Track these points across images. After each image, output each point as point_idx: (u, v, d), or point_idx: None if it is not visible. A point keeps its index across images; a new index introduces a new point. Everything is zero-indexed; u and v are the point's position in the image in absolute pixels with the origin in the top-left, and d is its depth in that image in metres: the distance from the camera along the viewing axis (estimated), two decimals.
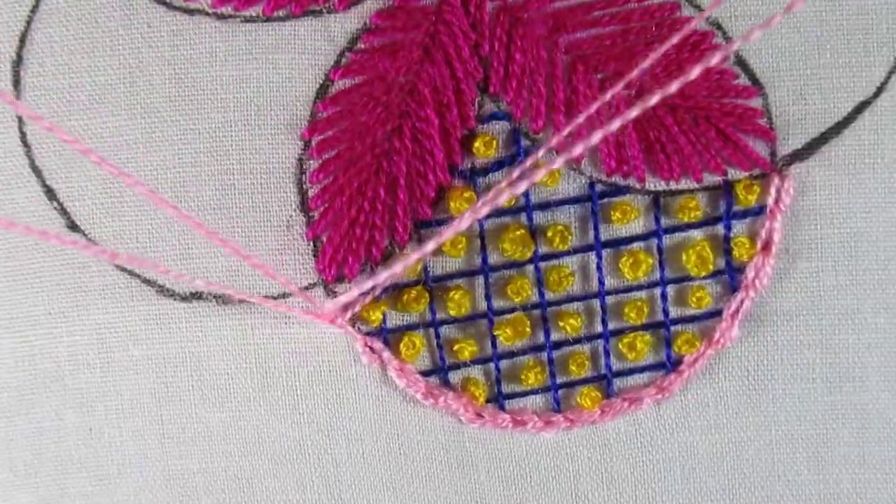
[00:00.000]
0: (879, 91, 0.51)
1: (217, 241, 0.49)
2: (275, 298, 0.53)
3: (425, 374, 0.54)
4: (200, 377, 0.54)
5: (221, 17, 0.51)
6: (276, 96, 0.51)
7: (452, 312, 0.53)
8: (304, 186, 0.52)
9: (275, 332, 0.53)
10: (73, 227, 0.52)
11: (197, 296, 0.53)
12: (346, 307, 0.52)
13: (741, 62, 0.51)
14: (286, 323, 0.53)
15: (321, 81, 0.51)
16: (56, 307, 0.53)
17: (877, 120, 0.52)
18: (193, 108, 0.51)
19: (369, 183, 0.52)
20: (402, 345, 0.53)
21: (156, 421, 0.54)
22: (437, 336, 0.53)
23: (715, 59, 0.43)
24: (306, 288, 0.53)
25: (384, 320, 0.53)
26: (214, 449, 0.54)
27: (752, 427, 0.54)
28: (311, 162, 0.52)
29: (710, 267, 0.52)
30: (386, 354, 0.53)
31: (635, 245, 0.53)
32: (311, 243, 0.53)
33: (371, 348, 0.53)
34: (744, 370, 0.54)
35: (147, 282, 0.53)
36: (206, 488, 0.55)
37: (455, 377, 0.54)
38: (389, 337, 0.53)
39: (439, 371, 0.54)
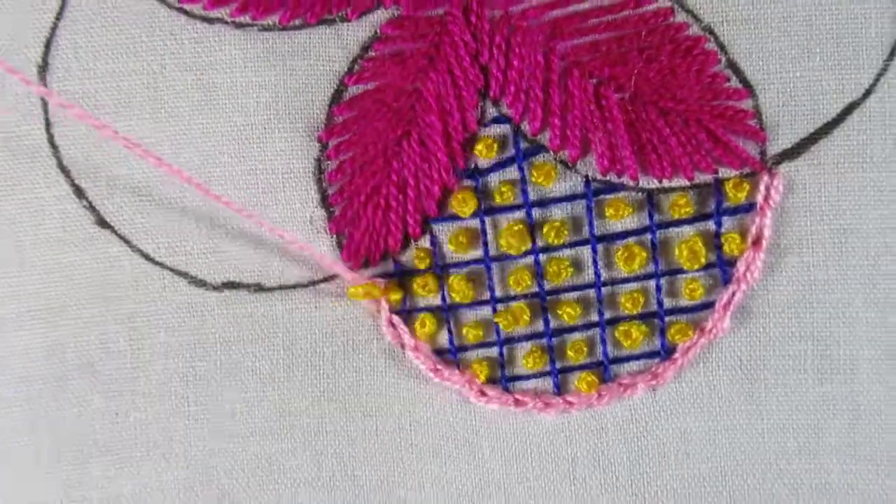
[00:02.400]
0: (868, 93, 0.53)
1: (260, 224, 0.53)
2: (305, 286, 0.56)
3: (438, 352, 0.57)
4: (228, 360, 0.56)
5: (240, 25, 0.53)
6: (293, 101, 0.54)
7: (456, 298, 0.56)
8: (324, 185, 0.55)
9: (303, 316, 0.56)
10: (103, 223, 0.55)
11: (229, 285, 0.56)
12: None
13: (733, 65, 0.53)
14: (315, 307, 0.56)
15: (336, 87, 0.54)
16: (86, 299, 0.56)
17: (865, 121, 0.53)
18: (216, 112, 0.54)
19: (383, 184, 0.55)
20: (416, 324, 0.56)
21: (182, 403, 0.57)
22: (448, 321, 0.56)
23: None
24: (332, 277, 0.56)
25: (404, 301, 0.56)
26: (236, 429, 0.57)
27: (745, 415, 0.56)
28: (329, 162, 0.55)
29: (702, 261, 0.54)
30: (405, 332, 0.56)
31: (630, 239, 0.55)
32: (334, 236, 0.55)
33: (394, 325, 0.56)
34: (736, 360, 0.55)
35: (179, 273, 0.56)
36: (225, 468, 0.57)
37: (464, 357, 0.57)
38: (406, 317, 0.56)
39: (449, 352, 0.57)
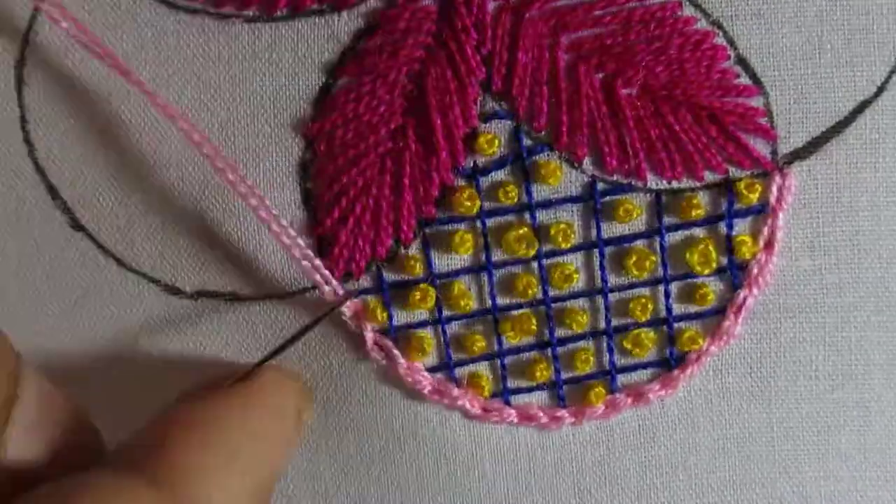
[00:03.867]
0: (880, 90, 0.52)
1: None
2: (282, 297, 0.53)
3: (432, 370, 0.54)
4: (206, 374, 0.53)
5: (224, 16, 0.51)
6: (279, 95, 0.52)
7: (454, 308, 0.53)
8: (308, 184, 0.52)
9: (283, 332, 0.53)
10: (78, 226, 0.53)
11: (204, 294, 0.53)
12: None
13: (742, 61, 0.51)
14: (295, 321, 0.54)
15: (324, 80, 0.51)
16: (64, 305, 0.54)
17: (878, 119, 0.52)
18: (198, 106, 0.51)
19: (374, 182, 0.52)
20: (411, 343, 0.53)
21: None
22: (444, 333, 0.54)
23: None
24: (313, 287, 0.53)
25: (391, 318, 0.53)
26: None
27: (756, 423, 0.54)
28: (316, 160, 0.52)
29: (714, 265, 0.53)
30: (395, 353, 0.53)
31: (638, 243, 0.53)
32: (316, 240, 0.53)
33: (380, 346, 0.53)
34: (747, 366, 0.54)
35: (152, 280, 0.53)
36: None
37: (461, 373, 0.54)
38: (397, 335, 0.54)
39: (445, 367, 0.54)
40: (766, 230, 0.53)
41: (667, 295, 0.53)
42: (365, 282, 0.53)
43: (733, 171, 0.52)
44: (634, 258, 0.53)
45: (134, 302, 0.53)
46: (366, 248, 0.52)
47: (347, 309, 0.53)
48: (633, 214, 0.52)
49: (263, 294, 0.53)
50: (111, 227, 0.53)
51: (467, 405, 0.54)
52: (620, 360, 0.54)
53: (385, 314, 0.53)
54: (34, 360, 0.53)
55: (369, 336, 0.53)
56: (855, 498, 0.55)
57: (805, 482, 0.55)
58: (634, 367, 0.54)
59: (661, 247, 0.53)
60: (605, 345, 0.54)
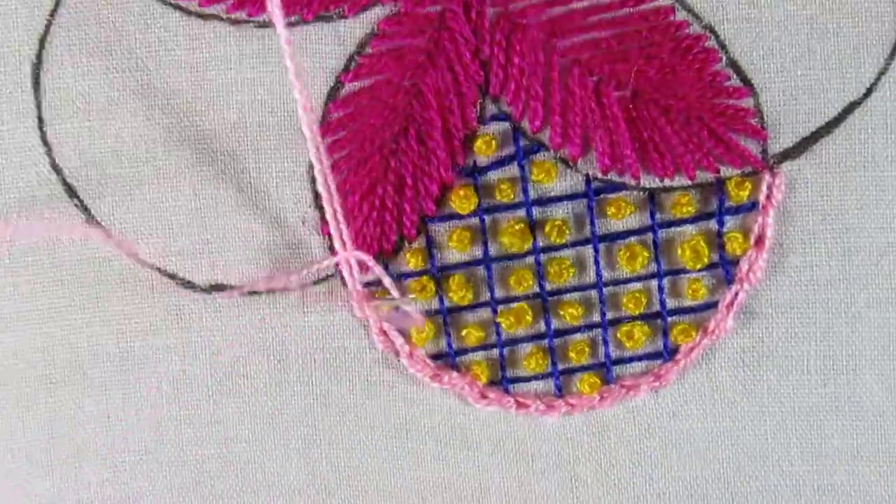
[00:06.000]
0: (869, 92, 0.53)
1: None
2: (293, 290, 0.55)
3: (434, 357, 0.56)
4: (218, 365, 0.55)
5: (235, 22, 0.53)
6: (289, 98, 0.53)
7: (455, 300, 0.55)
8: (318, 185, 0.53)
9: (292, 321, 0.55)
10: (94, 223, 0.54)
11: (218, 287, 0.55)
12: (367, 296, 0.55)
13: (733, 64, 0.52)
14: (303, 312, 0.55)
15: (332, 84, 0.53)
16: (76, 300, 0.55)
17: (867, 120, 0.53)
18: (210, 109, 0.53)
19: (379, 182, 0.54)
20: (412, 329, 0.55)
21: (173, 407, 0.56)
22: (445, 323, 0.55)
23: None
24: (323, 280, 0.55)
25: (397, 308, 0.55)
26: (228, 434, 0.56)
27: (748, 416, 0.55)
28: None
29: (705, 260, 0.54)
30: (399, 340, 0.55)
31: (631, 239, 0.54)
32: (326, 238, 0.54)
33: (385, 333, 0.55)
34: (739, 361, 0.55)
35: (167, 275, 0.55)
36: (218, 473, 0.57)
37: (463, 360, 0.56)
38: None
39: (446, 355, 0.56)
40: (756, 227, 0.54)
41: (660, 289, 0.55)
42: (372, 274, 0.55)
43: (724, 170, 0.53)
44: (627, 254, 0.54)
45: (149, 297, 0.55)
46: (373, 244, 0.54)
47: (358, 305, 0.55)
48: (626, 211, 0.54)
49: (276, 287, 0.55)
50: (127, 223, 0.54)
51: (466, 388, 0.55)
52: (615, 352, 0.55)
53: (389, 306, 0.55)
54: (43, 353, 0.55)
55: (375, 325, 0.55)
56: (846, 491, 0.56)
57: (798, 476, 0.56)
58: (629, 360, 0.55)
59: (654, 243, 0.54)
60: (599, 337, 0.55)
